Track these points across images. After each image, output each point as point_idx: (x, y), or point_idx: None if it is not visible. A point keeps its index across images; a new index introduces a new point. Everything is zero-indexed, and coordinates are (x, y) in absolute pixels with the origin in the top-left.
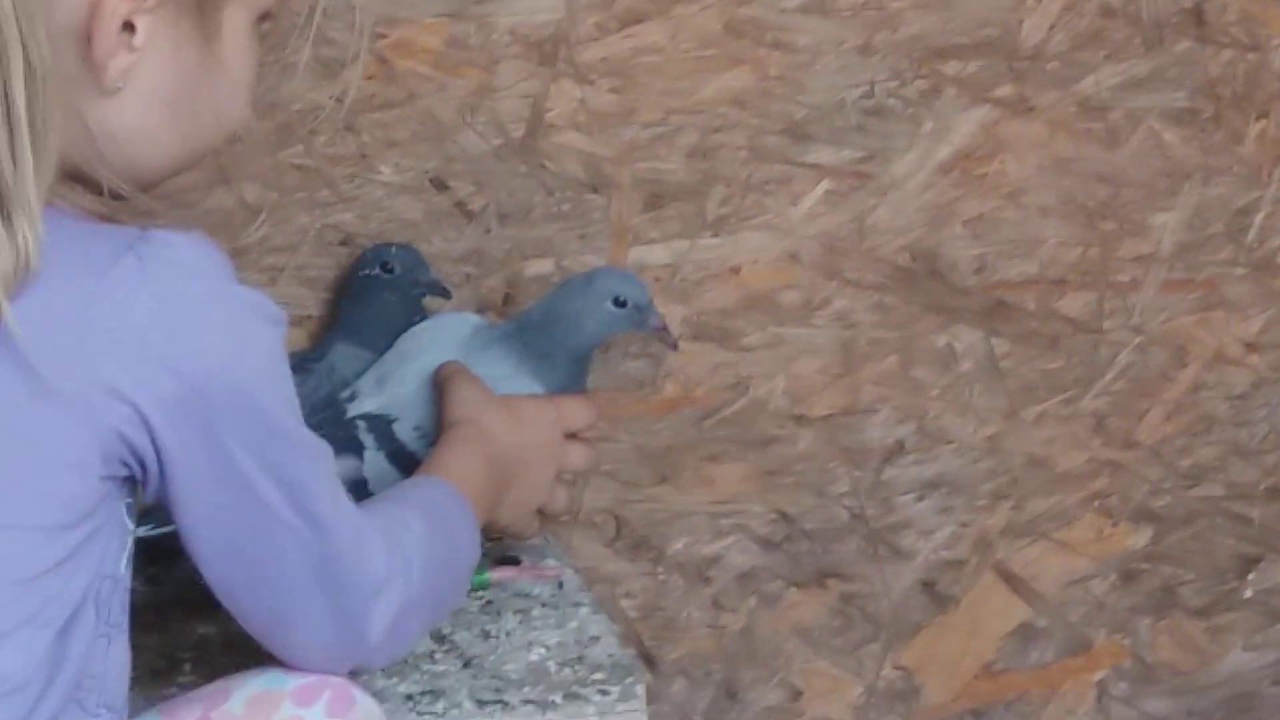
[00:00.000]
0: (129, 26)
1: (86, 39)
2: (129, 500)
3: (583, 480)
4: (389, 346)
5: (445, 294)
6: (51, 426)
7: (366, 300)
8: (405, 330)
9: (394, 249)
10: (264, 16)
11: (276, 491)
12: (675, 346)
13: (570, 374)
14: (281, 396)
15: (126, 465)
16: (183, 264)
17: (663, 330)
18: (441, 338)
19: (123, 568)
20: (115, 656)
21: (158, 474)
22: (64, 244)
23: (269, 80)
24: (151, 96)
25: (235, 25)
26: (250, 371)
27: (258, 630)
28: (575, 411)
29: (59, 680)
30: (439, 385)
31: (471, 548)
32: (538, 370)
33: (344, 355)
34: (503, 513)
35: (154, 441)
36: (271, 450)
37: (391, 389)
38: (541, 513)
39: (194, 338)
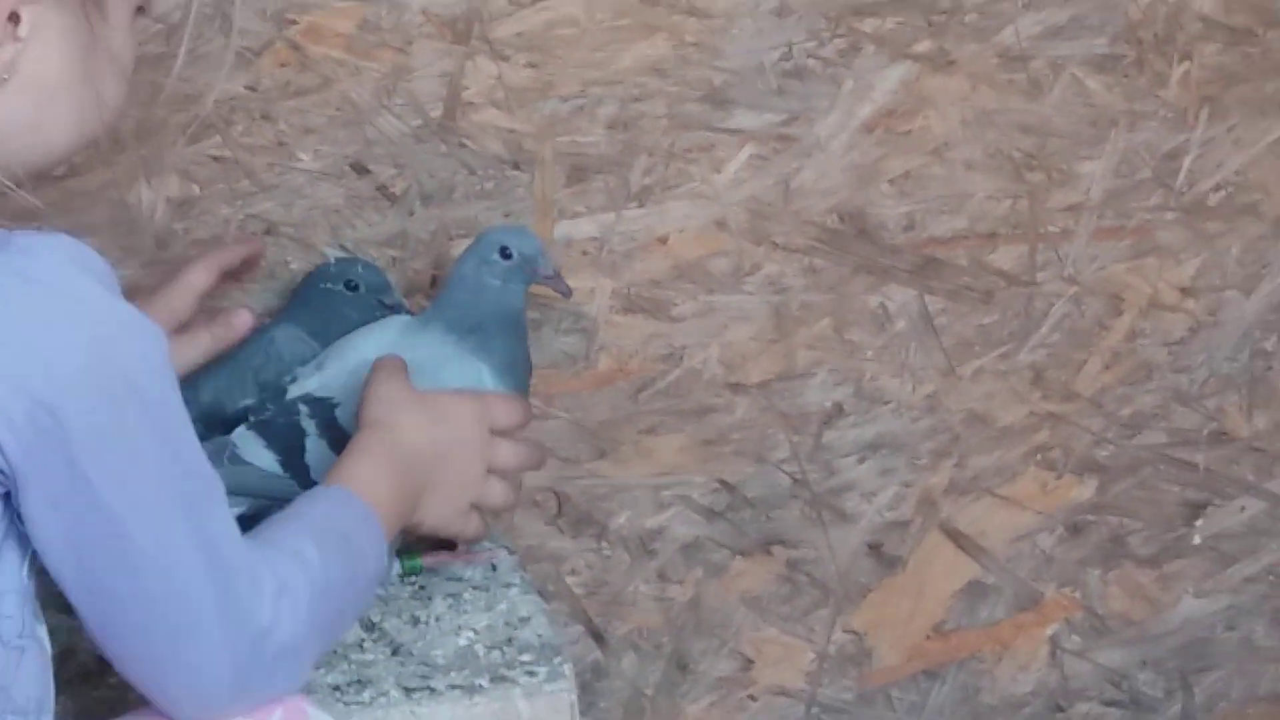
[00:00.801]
0: (14, 17)
1: None
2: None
3: (518, 476)
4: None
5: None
6: None
7: (324, 312)
8: None
9: (360, 267)
10: (140, 7)
11: (144, 527)
12: (568, 294)
13: (508, 344)
14: (154, 421)
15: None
16: (42, 276)
17: (554, 279)
18: (377, 331)
19: (25, 577)
20: (28, 666)
21: (16, 496)
22: None
23: (184, 72)
24: (37, 87)
25: (119, 11)
26: (114, 393)
27: (129, 675)
28: (503, 410)
29: None
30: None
31: (375, 557)
32: (479, 345)
33: (288, 336)
34: (427, 513)
35: (8, 462)
36: (136, 481)
37: (332, 373)
38: (478, 508)
39: (50, 356)
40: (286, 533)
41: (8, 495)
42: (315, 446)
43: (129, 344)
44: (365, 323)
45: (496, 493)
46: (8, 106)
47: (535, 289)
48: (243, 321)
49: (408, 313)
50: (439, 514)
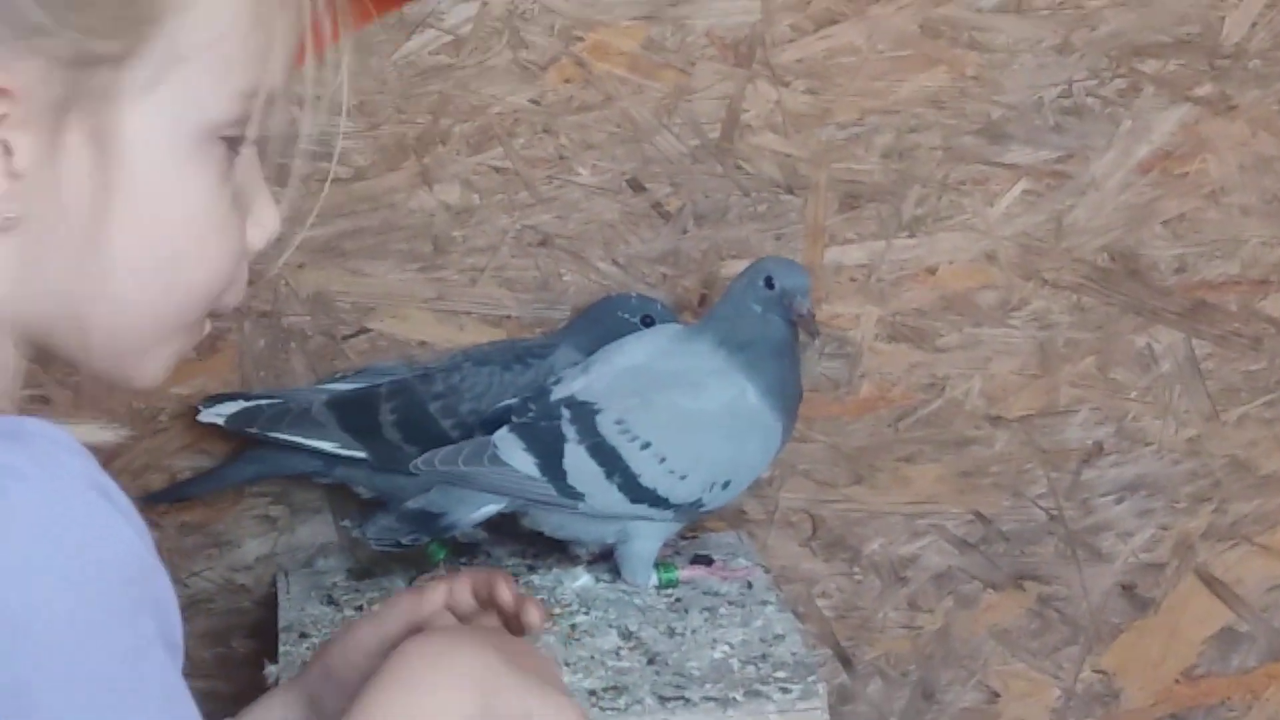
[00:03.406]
0: (6, 148)
1: None
2: None
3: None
4: None
5: None
6: None
7: (612, 340)
8: None
9: (659, 305)
10: (235, 139)
11: None
12: (814, 335)
13: (778, 368)
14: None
15: None
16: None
17: (805, 319)
18: (648, 337)
19: None
20: None
21: None
22: None
23: (471, 83)
24: (42, 236)
25: (150, 141)
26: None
27: None
28: None
29: None
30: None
31: None
32: (748, 363)
33: (565, 359)
34: None
35: None
36: None
37: (596, 376)
38: None
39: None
40: None
41: None
42: (573, 453)
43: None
44: None
45: None
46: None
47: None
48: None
49: None
50: None
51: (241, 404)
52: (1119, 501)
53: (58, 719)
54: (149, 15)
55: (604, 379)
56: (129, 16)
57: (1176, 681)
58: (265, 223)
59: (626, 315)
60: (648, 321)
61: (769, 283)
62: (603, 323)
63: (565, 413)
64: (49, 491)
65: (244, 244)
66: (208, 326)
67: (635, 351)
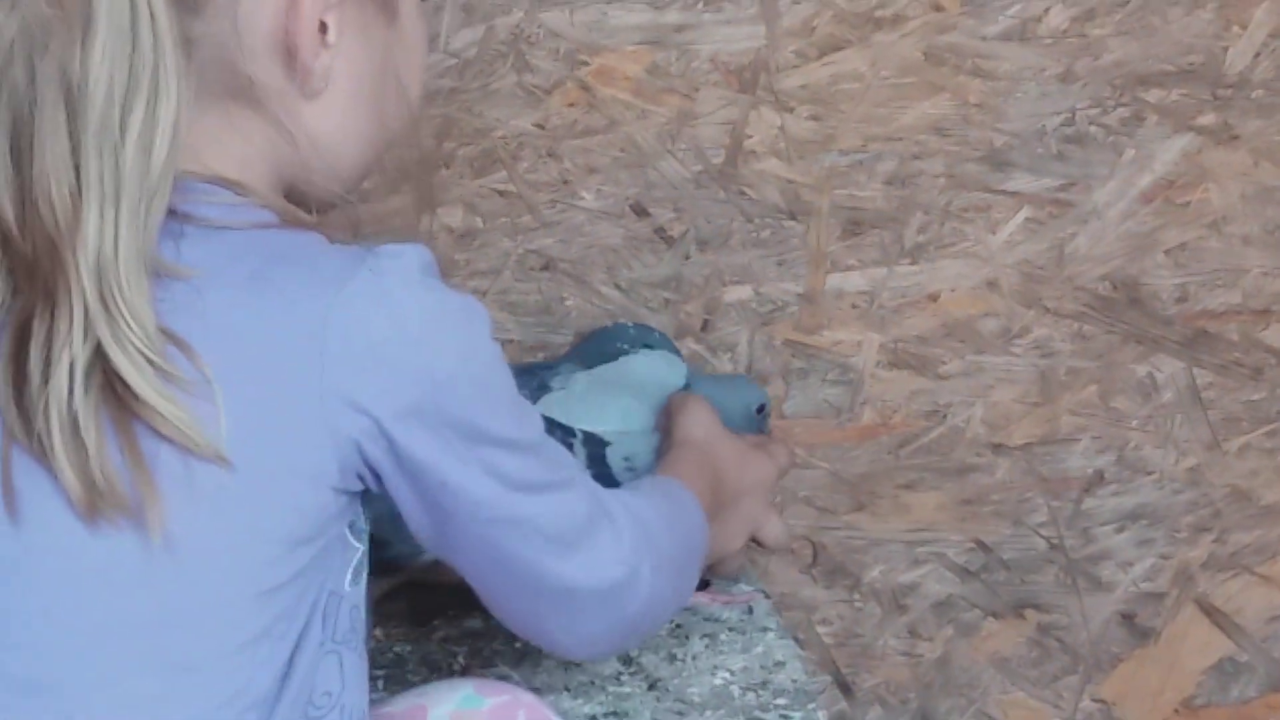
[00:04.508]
0: (322, 26)
1: (286, 49)
2: (353, 518)
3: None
4: None
5: None
6: (290, 438)
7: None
8: None
9: (657, 336)
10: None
11: (516, 494)
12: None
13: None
14: (509, 399)
15: (361, 479)
16: (412, 277)
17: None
18: (651, 380)
19: (347, 584)
20: (350, 674)
21: (398, 486)
22: (293, 259)
23: (475, 107)
24: (350, 90)
25: (411, 25)
26: (481, 377)
27: (523, 630)
28: (787, 462)
29: (286, 696)
30: (672, 405)
31: (702, 551)
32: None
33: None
34: (712, 540)
35: (394, 452)
36: (497, 454)
37: (605, 414)
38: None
39: (430, 348)
40: (638, 495)
41: (360, 494)
42: None
43: (483, 330)
44: None
45: (775, 531)
46: (329, 115)
47: None
48: None
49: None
50: (719, 545)
51: None
52: (1119, 530)
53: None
54: None
55: (614, 427)
56: None
57: (1176, 711)
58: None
59: (624, 346)
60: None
61: (763, 411)
62: (603, 354)
63: (578, 434)
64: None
65: None
66: None
67: (646, 397)
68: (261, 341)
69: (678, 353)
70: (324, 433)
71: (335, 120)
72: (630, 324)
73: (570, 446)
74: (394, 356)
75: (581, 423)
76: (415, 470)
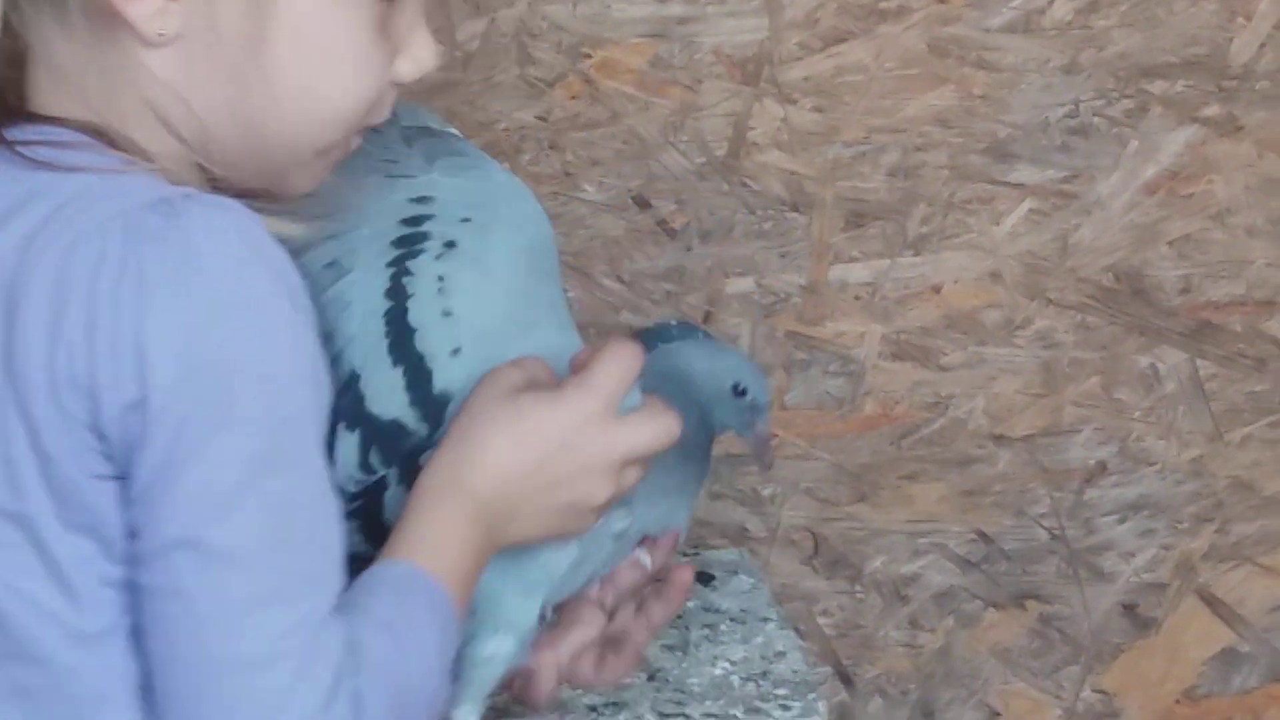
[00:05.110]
0: None
1: None
2: None
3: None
4: None
5: None
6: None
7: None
8: None
9: (700, 334)
10: None
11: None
12: (768, 466)
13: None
14: (281, 417)
15: None
16: (201, 243)
17: (764, 441)
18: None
19: None
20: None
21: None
22: (101, 192)
23: (477, 99)
24: (205, 56)
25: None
26: (249, 374)
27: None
28: (617, 385)
29: None
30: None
31: (440, 649)
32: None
33: None
34: (521, 535)
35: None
36: (261, 473)
37: None
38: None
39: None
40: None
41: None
42: None
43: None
44: None
45: (629, 481)
46: (165, 68)
47: None
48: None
49: None
50: (538, 533)
51: None
52: (1121, 521)
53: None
54: None
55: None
56: None
57: (1177, 702)
58: (420, 57)
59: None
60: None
61: (739, 389)
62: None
63: None
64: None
65: (387, 74)
66: (355, 143)
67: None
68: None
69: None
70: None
71: (180, 78)
72: (674, 321)
73: None
74: (153, 325)
75: None
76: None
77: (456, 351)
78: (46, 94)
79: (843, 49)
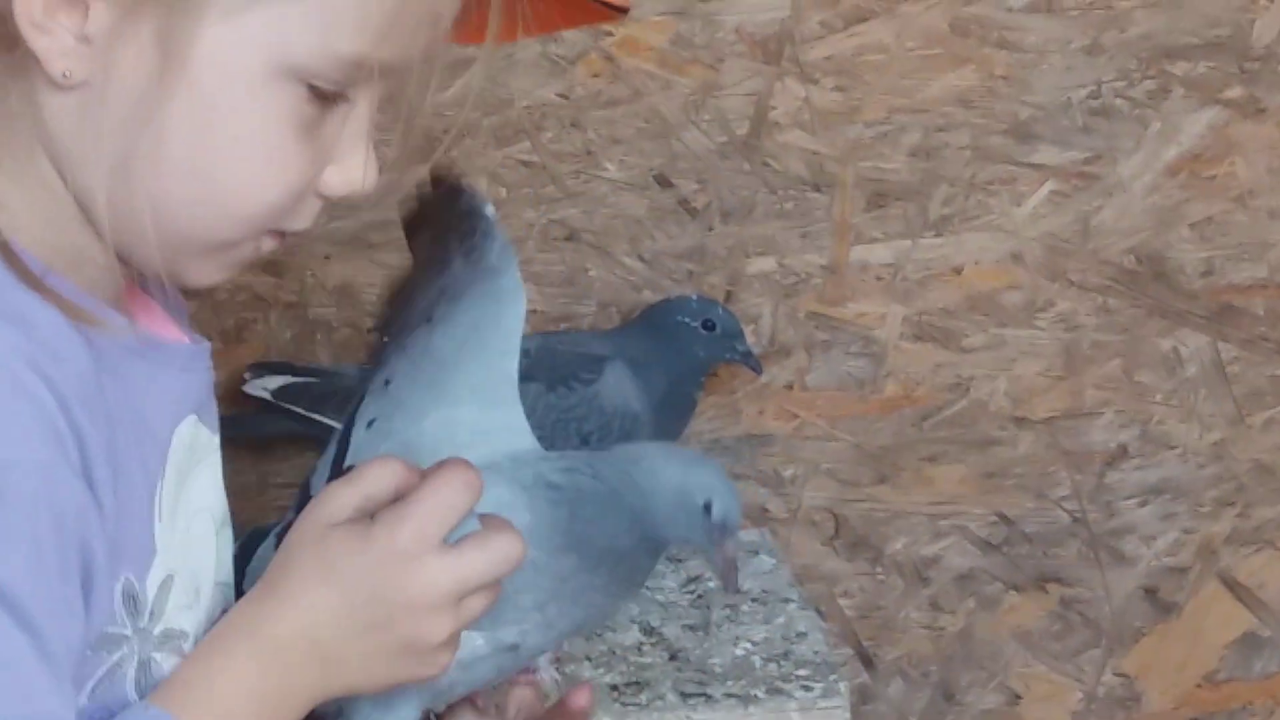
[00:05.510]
0: (86, 8)
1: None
2: None
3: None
4: (665, 391)
5: (757, 369)
6: None
7: (671, 345)
8: (682, 382)
9: (720, 310)
10: (332, 95)
11: None
12: (732, 589)
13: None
14: None
15: None
16: None
17: (730, 562)
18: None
19: None
20: None
21: None
22: None
23: (499, 77)
24: (99, 108)
25: (221, 60)
26: None
27: None
28: (481, 560)
29: None
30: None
31: None
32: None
33: (616, 379)
34: (354, 686)
35: None
36: None
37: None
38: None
39: None
40: None
41: None
42: None
43: None
44: (705, 366)
45: (473, 611)
46: (64, 115)
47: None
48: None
49: (756, 365)
50: (381, 678)
51: (288, 378)
52: (1142, 505)
53: None
54: None
55: None
56: None
57: (1198, 686)
58: (350, 174)
59: (686, 320)
60: (709, 326)
61: (709, 508)
62: (661, 329)
63: None
64: None
65: (308, 182)
66: (267, 246)
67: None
68: None
69: (739, 334)
70: None
71: (74, 129)
72: (694, 296)
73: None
74: None
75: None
76: None
77: (371, 423)
78: None
79: (864, 28)
